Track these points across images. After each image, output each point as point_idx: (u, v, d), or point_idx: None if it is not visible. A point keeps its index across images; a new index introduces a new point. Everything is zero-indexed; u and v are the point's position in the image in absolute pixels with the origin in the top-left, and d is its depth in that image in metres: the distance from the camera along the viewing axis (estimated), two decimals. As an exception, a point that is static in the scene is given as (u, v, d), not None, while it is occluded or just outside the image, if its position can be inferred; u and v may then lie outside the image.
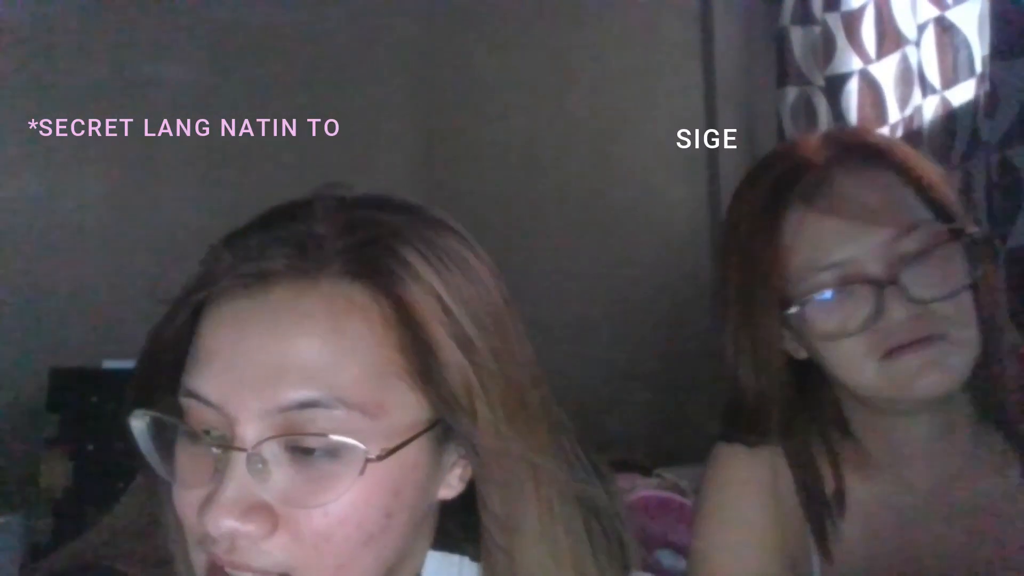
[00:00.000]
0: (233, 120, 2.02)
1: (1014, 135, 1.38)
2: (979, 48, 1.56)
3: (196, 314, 0.55)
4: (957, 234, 0.81)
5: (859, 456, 0.90)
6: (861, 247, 0.80)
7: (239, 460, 0.49)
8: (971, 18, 1.59)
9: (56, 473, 1.60)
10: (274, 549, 0.50)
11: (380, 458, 0.50)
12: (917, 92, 1.72)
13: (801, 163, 0.84)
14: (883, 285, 0.78)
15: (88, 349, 1.76)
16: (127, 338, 2.02)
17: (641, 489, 1.61)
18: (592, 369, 2.12)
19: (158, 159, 1.98)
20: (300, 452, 0.50)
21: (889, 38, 1.83)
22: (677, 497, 1.56)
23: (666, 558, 1.41)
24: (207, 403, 0.51)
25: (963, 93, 1.60)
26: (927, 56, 1.67)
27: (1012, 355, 0.85)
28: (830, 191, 0.81)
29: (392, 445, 0.51)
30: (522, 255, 2.12)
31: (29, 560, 1.50)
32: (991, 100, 1.43)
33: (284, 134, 2.04)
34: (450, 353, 0.52)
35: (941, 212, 0.83)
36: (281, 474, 0.50)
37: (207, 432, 0.52)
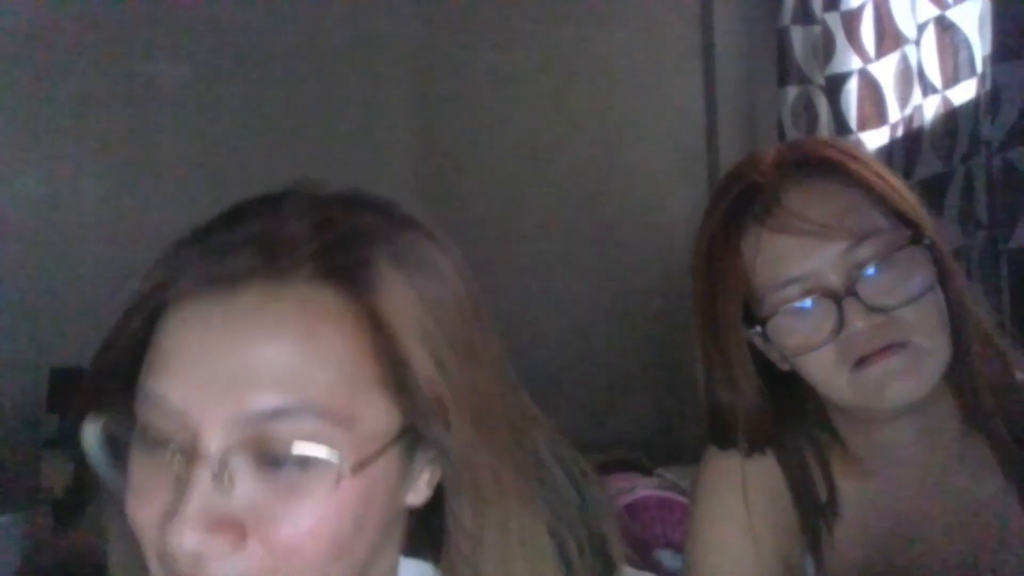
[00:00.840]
0: (233, 120, 2.02)
1: (1016, 137, 1.38)
2: (980, 48, 1.56)
3: (153, 314, 0.52)
4: (915, 239, 0.81)
5: (848, 460, 0.91)
6: (817, 261, 0.81)
7: (203, 471, 0.47)
8: (972, 17, 1.58)
9: (56, 473, 1.60)
10: (242, 562, 0.48)
11: (354, 471, 0.49)
12: (917, 91, 1.72)
13: (754, 184, 0.86)
14: (841, 297, 0.79)
15: (88, 349, 1.76)
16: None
17: (642, 489, 1.61)
18: (592, 369, 2.12)
19: (158, 159, 1.98)
20: (267, 462, 0.48)
21: (889, 37, 1.83)
22: (678, 497, 1.56)
23: (666, 558, 1.41)
24: (167, 408, 0.49)
25: (964, 92, 1.60)
26: (927, 55, 1.67)
27: (993, 355, 0.85)
28: (782, 209, 0.82)
29: (365, 456, 0.49)
30: (522, 255, 2.12)
31: (30, 560, 1.49)
32: (993, 101, 1.43)
33: (284, 134, 2.04)
34: (422, 362, 0.51)
35: (898, 219, 0.84)
36: (248, 485, 0.48)
37: (165, 441, 0.49)
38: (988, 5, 1.48)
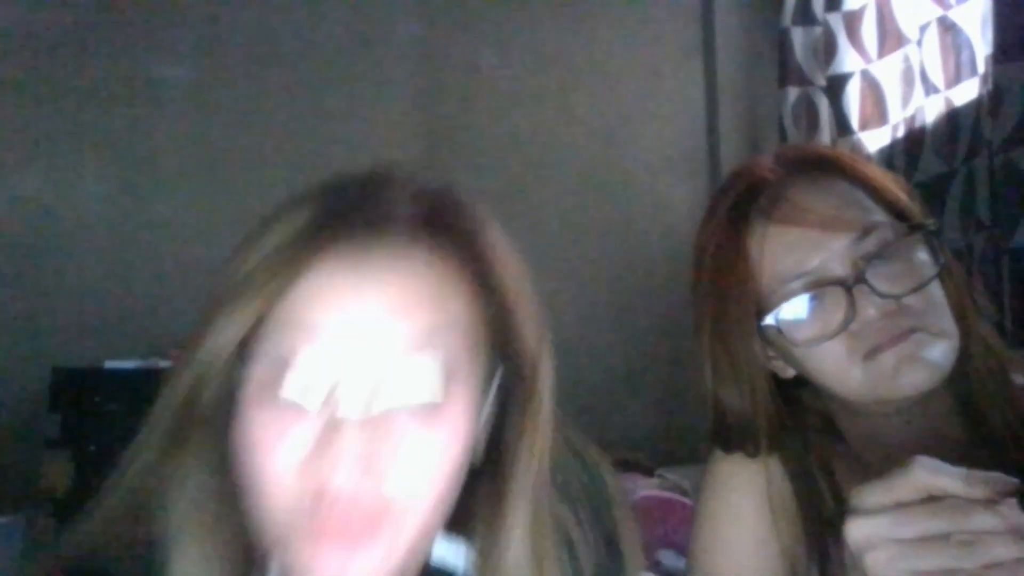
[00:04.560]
0: (233, 120, 2.02)
1: (1018, 136, 1.38)
2: (982, 48, 1.56)
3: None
4: (914, 229, 0.82)
5: (853, 462, 0.90)
6: (825, 253, 0.81)
7: (351, 417, 0.52)
8: (973, 18, 1.59)
9: (57, 473, 1.60)
10: (385, 480, 0.52)
11: (476, 407, 0.56)
12: (919, 92, 1.72)
13: (757, 181, 0.86)
14: (851, 285, 0.79)
15: (88, 349, 1.76)
16: (127, 338, 2.01)
17: (643, 489, 1.60)
18: (594, 369, 2.12)
19: (158, 159, 1.98)
20: (406, 396, 0.53)
21: (890, 38, 1.83)
22: (679, 497, 1.56)
23: (667, 558, 1.41)
24: (306, 370, 0.52)
25: (966, 93, 1.60)
26: (929, 56, 1.67)
27: (989, 356, 0.85)
28: (788, 204, 0.83)
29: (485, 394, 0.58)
30: (522, 255, 2.12)
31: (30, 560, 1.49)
32: (994, 102, 1.43)
33: (284, 134, 2.04)
34: (525, 312, 0.59)
35: (896, 212, 0.85)
36: (390, 418, 0.53)
37: (296, 396, 0.53)
38: (990, 5, 1.48)
